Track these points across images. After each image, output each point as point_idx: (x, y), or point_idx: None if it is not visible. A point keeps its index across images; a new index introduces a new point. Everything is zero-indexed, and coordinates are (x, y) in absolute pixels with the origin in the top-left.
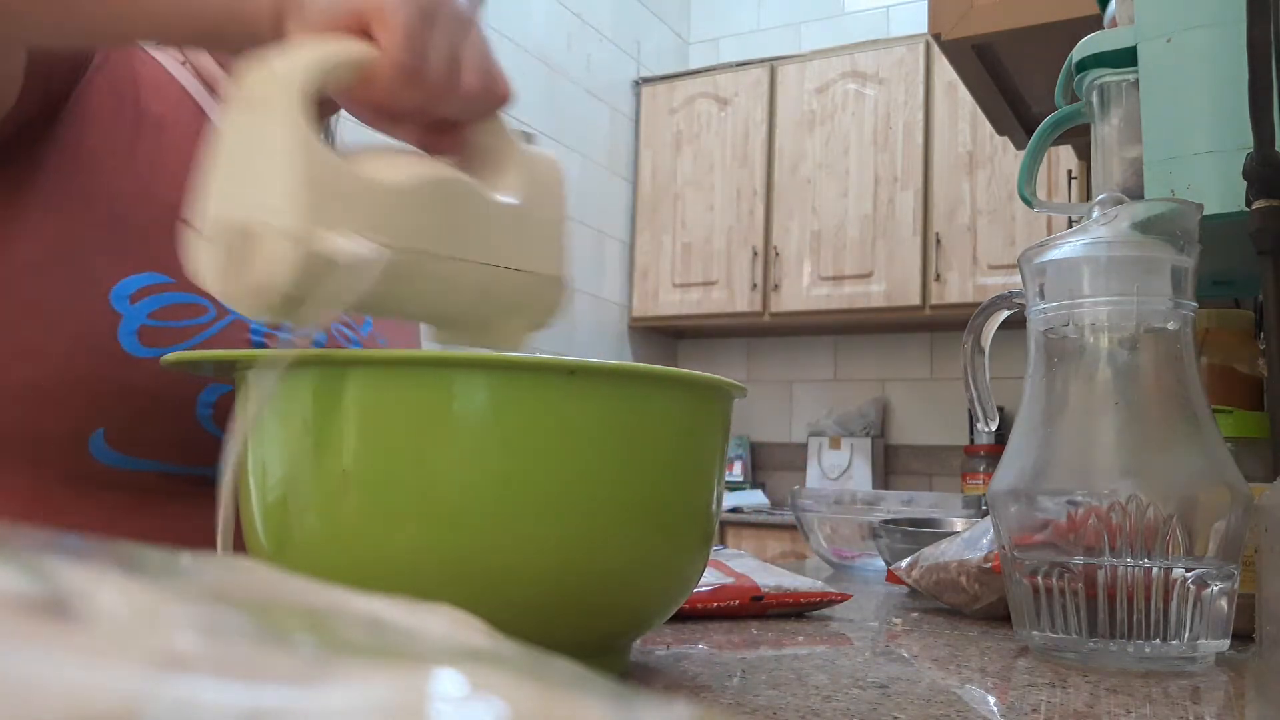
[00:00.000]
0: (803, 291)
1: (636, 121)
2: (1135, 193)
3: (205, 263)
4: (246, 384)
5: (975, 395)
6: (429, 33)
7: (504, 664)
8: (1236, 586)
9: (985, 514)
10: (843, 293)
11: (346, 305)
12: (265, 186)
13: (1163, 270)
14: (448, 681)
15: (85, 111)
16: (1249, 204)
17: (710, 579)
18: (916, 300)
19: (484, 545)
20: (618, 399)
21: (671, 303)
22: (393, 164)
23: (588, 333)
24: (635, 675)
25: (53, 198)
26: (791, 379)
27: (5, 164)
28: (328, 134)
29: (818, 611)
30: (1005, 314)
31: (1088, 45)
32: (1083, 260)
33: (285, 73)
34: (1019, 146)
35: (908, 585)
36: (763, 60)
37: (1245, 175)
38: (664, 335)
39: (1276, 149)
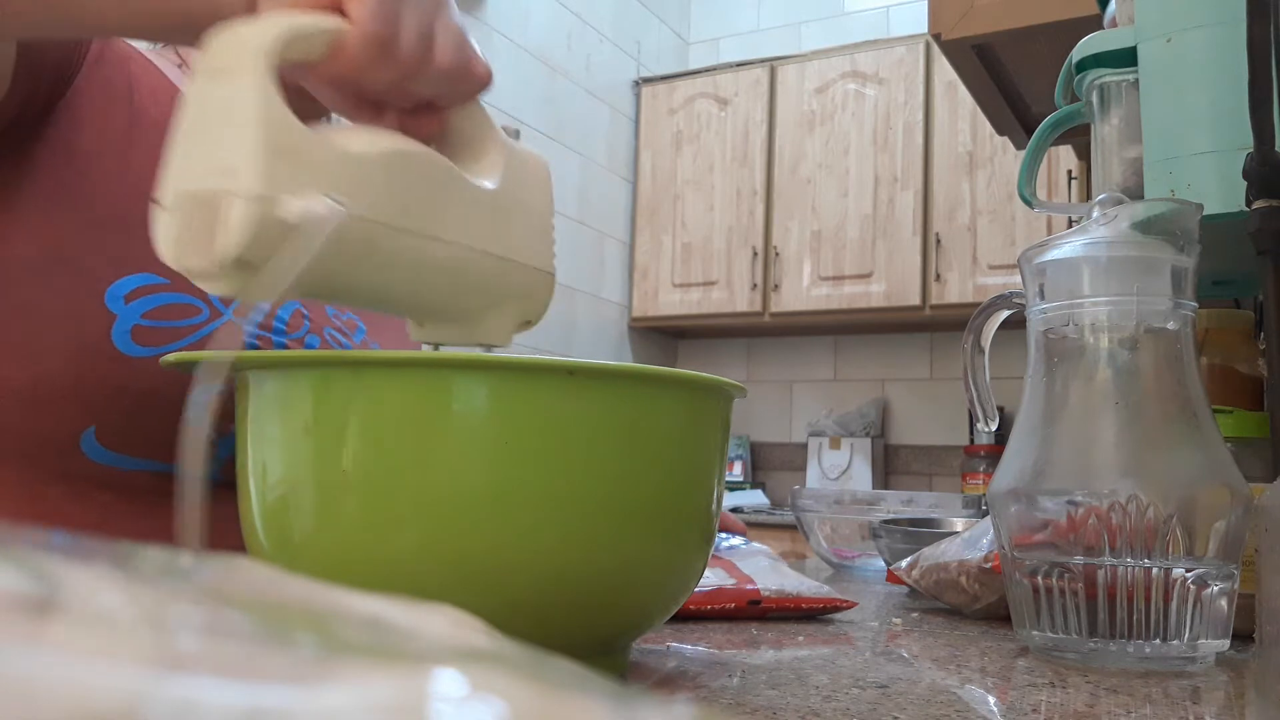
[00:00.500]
0: (803, 291)
1: (636, 121)
2: (1135, 193)
3: (164, 234)
4: (244, 384)
5: (975, 395)
6: (400, 6)
7: (504, 664)
8: (1236, 586)
9: (985, 514)
10: (843, 293)
11: (304, 277)
12: (226, 151)
13: (1163, 270)
14: (448, 681)
15: (79, 112)
16: (1249, 204)
17: (710, 580)
18: (916, 300)
19: (484, 546)
20: (617, 399)
21: (671, 303)
22: (363, 136)
23: (587, 333)
24: (635, 675)
25: (47, 198)
26: (791, 379)
27: None
28: None
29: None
30: (1005, 314)
31: (1088, 45)
32: (1083, 260)
33: (252, 38)
34: (1019, 146)
35: (908, 585)
36: (763, 60)
37: (1245, 175)
38: (664, 335)
39: (1276, 149)
